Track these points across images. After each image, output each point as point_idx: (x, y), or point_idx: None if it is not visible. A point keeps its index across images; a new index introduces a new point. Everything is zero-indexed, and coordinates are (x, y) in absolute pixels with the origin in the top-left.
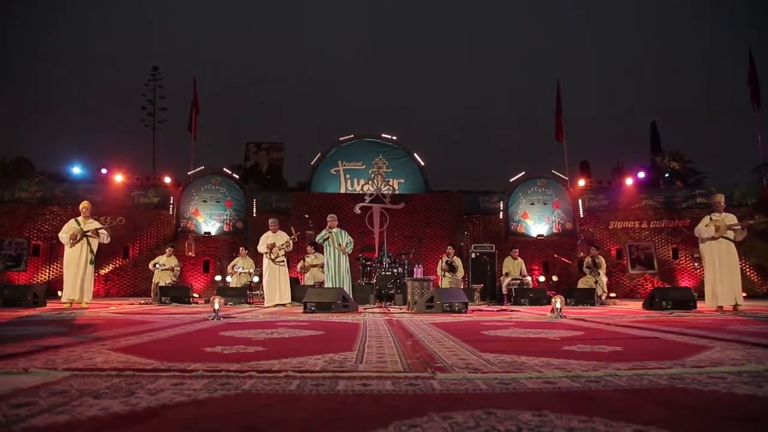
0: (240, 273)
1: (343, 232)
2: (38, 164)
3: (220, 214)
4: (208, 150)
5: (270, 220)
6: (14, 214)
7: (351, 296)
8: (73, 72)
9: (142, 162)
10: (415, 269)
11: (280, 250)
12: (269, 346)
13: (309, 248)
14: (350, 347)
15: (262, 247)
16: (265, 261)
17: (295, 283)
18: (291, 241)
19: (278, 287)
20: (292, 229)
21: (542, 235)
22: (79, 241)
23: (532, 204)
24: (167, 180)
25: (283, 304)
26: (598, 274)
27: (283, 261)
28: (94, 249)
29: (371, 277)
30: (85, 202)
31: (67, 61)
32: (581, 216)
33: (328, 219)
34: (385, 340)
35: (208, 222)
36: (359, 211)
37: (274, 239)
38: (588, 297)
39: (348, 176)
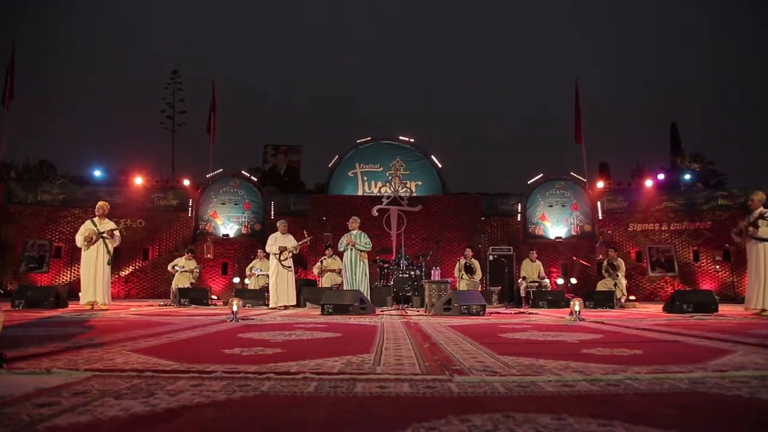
0: (258, 275)
1: (362, 234)
2: (60, 167)
3: (238, 217)
4: (226, 152)
5: (278, 222)
6: (37, 216)
7: (368, 299)
8: (94, 75)
9: (162, 164)
10: (432, 271)
11: (289, 252)
12: (287, 348)
13: (327, 251)
14: (368, 349)
15: (272, 248)
16: (273, 262)
17: (312, 285)
18: (301, 245)
19: (286, 289)
20: (305, 232)
21: (561, 238)
22: (94, 242)
23: (551, 206)
24: (186, 182)
25: (290, 306)
26: (617, 276)
27: (290, 265)
28: (111, 250)
29: (388, 280)
30: (101, 202)
31: (88, 64)
32: (600, 218)
33: (349, 222)
34: (402, 343)
35: (227, 224)
36: (377, 214)
37: (283, 241)
38: (607, 300)
39: (365, 178)
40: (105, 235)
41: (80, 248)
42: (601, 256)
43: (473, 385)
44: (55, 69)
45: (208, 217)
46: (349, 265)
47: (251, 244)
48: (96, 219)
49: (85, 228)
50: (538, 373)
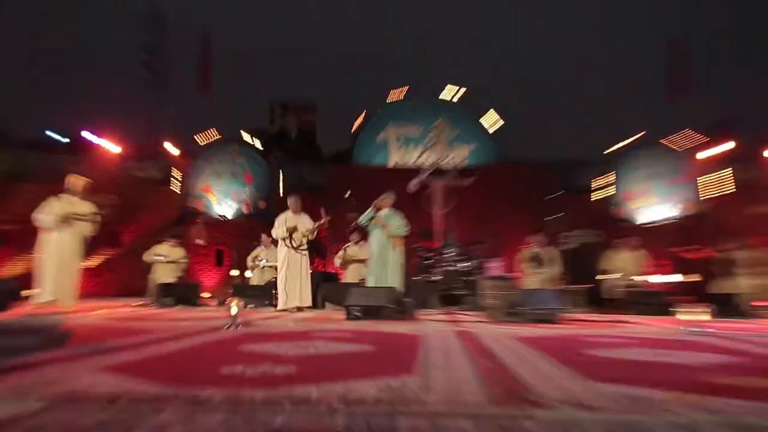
0: (263, 267)
1: (395, 214)
2: (10, 128)
3: (237, 192)
4: (222, 112)
5: (289, 199)
6: None
7: (405, 297)
8: (57, 18)
9: (140, 127)
10: (490, 264)
11: (303, 236)
12: (304, 366)
13: (351, 236)
14: (409, 369)
15: (279, 230)
16: (282, 250)
17: (333, 280)
18: (318, 227)
19: (300, 285)
20: (323, 210)
21: (662, 221)
22: (67, 224)
23: (651, 178)
24: (171, 149)
25: (306, 307)
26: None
27: (305, 251)
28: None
29: (433, 274)
30: (77, 177)
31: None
32: (719, 195)
33: (379, 199)
34: (455, 360)
35: (223, 202)
36: (415, 189)
37: (295, 222)
38: (732, 305)
39: (400, 144)
40: (85, 218)
41: (40, 230)
42: (721, 247)
43: (560, 424)
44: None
45: (199, 192)
46: (378, 254)
47: (254, 227)
48: (66, 196)
49: (54, 205)
50: (648, 410)
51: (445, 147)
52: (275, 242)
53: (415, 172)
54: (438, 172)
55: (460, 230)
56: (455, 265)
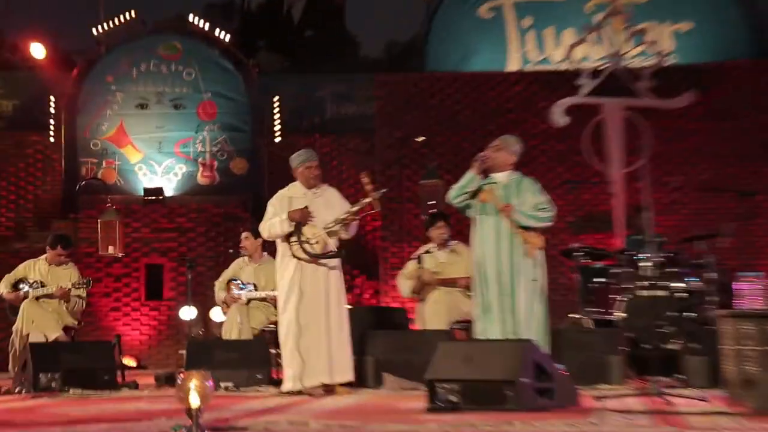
0: (249, 300)
1: (525, 181)
2: None
3: (185, 141)
4: None
5: (297, 157)
6: None
7: (553, 362)
8: None
9: None
10: (740, 284)
11: (329, 234)
12: None
13: (432, 231)
14: None
15: (275, 222)
16: (288, 263)
17: (398, 322)
18: (358, 213)
19: (327, 340)
20: (366, 178)
21: None
22: None
23: None
24: (36, 51)
25: (342, 385)
26: None
27: (333, 262)
28: None
29: (609, 306)
30: None
31: None
32: None
33: (489, 149)
34: None
35: (154, 161)
36: (565, 120)
37: (309, 204)
38: None
39: (526, 26)
40: None
41: None
42: None
43: None
44: None
45: (102, 143)
46: (493, 267)
47: (223, 214)
48: None
49: None
50: None
51: (625, 24)
52: (270, 247)
53: (564, 83)
54: (613, 82)
55: (665, 210)
56: (659, 287)
